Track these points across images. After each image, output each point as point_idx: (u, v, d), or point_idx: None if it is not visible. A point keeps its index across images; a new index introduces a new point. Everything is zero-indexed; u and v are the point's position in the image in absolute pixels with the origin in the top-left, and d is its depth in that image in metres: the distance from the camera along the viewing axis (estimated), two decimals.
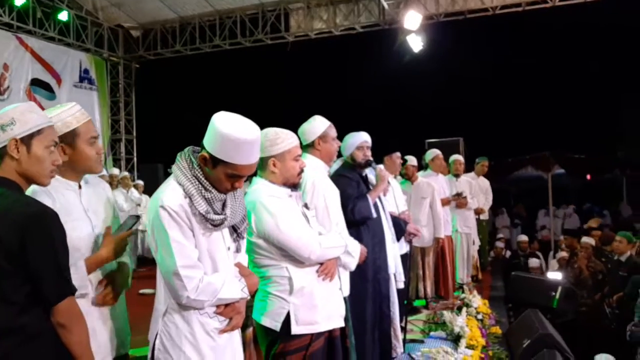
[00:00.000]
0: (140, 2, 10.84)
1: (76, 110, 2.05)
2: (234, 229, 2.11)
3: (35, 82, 10.08)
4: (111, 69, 12.20)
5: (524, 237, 10.00)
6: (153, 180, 11.38)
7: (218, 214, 1.98)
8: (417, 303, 5.82)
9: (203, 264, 1.98)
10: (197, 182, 1.95)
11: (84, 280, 1.94)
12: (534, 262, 8.75)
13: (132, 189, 9.58)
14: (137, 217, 2.13)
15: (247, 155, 1.95)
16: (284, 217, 2.41)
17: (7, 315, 1.62)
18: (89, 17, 11.10)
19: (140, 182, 10.29)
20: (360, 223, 3.46)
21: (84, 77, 11.21)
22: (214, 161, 1.93)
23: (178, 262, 1.90)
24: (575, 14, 10.12)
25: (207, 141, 1.95)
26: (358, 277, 3.12)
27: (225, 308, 2.03)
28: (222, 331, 2.03)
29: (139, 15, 11.52)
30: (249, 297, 2.10)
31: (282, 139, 2.52)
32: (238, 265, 2.12)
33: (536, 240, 11.89)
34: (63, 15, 10.27)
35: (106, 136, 11.90)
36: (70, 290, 1.71)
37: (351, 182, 3.56)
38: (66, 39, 10.62)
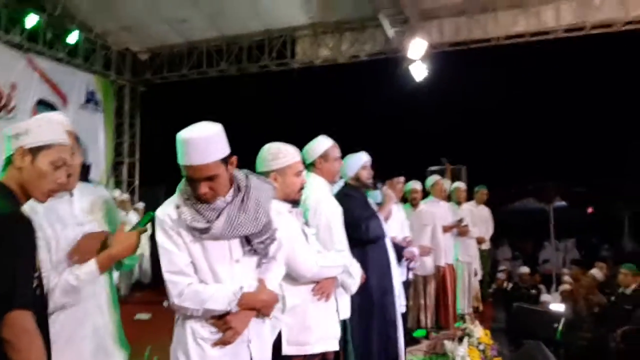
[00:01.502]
0: (148, 26, 11.00)
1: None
2: (247, 241, 2.06)
3: (42, 102, 10.14)
4: (117, 91, 12.31)
5: (525, 269, 9.94)
6: (154, 202, 11.35)
7: (209, 222, 1.98)
8: (417, 333, 5.72)
9: (202, 274, 1.99)
10: (185, 193, 2.04)
11: (95, 277, 2.00)
12: (545, 296, 8.53)
13: (131, 212, 9.53)
14: (152, 216, 2.12)
15: (188, 156, 1.94)
16: (282, 232, 2.35)
17: None
18: (98, 40, 11.26)
19: (140, 206, 10.27)
20: (372, 242, 3.44)
21: (90, 98, 11.29)
22: (181, 169, 2.01)
23: (164, 267, 1.99)
24: (579, 45, 10.24)
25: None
26: (365, 300, 3.09)
27: (216, 320, 2.01)
28: (214, 343, 2.00)
29: (147, 40, 11.69)
30: (234, 311, 2.02)
31: (284, 153, 2.53)
32: (259, 280, 2.10)
33: (537, 273, 11.77)
34: (73, 37, 10.42)
35: (109, 158, 11.93)
36: (20, 303, 1.54)
37: (360, 202, 3.56)
38: (75, 61, 10.75)
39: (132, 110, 12.69)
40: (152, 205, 9.52)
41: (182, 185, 2.07)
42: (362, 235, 3.29)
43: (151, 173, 12.80)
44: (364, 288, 2.97)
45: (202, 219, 1.97)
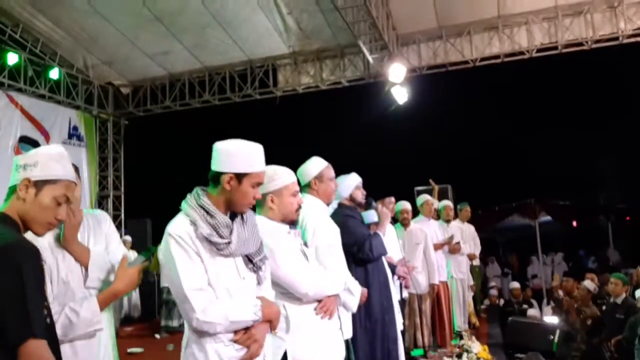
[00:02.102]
0: (130, 59, 11.06)
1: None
2: (249, 260, 2.10)
3: (24, 139, 10.07)
4: (100, 125, 12.27)
5: (516, 285, 9.98)
6: (141, 236, 11.25)
7: (223, 237, 2.01)
8: (415, 353, 5.71)
9: (217, 291, 1.98)
10: (201, 210, 2.04)
11: (96, 316, 1.94)
12: (532, 311, 8.63)
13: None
14: (153, 251, 2.14)
15: (263, 162, 2.15)
16: (281, 253, 2.42)
17: None
18: (80, 75, 11.27)
19: (128, 238, 10.14)
20: (375, 260, 3.45)
21: (72, 133, 11.24)
22: (239, 177, 2.06)
23: (184, 284, 1.94)
24: (553, 65, 10.58)
25: (224, 165, 2.08)
26: (366, 318, 3.10)
27: (242, 335, 2.00)
28: None
29: (129, 73, 11.73)
30: (260, 319, 2.05)
31: (279, 175, 2.56)
32: (261, 298, 2.10)
33: (528, 288, 11.85)
34: (54, 73, 10.42)
35: (94, 192, 11.81)
36: (32, 332, 1.52)
37: (359, 222, 3.60)
38: (56, 97, 10.73)
39: (115, 143, 12.64)
40: (139, 237, 9.43)
41: (198, 200, 2.07)
42: (367, 254, 3.33)
43: (136, 205, 12.70)
44: (366, 306, 2.98)
45: (217, 234, 2.01)
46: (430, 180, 7.87)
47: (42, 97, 10.41)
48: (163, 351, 7.04)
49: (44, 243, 2.00)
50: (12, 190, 1.74)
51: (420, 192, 8.40)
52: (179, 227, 2.02)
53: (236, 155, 2.11)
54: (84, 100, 11.52)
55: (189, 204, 2.08)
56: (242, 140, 2.18)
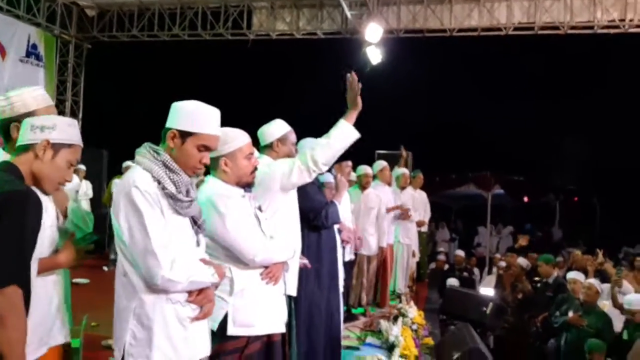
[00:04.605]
0: None
1: (38, 94, 2.05)
2: (194, 222, 2.11)
3: None
4: (61, 47, 11.69)
5: (460, 252, 10.32)
6: (96, 166, 10.99)
7: (185, 197, 2.02)
8: (356, 311, 5.93)
9: (177, 248, 2.00)
10: (164, 167, 2.01)
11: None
12: (451, 280, 8.56)
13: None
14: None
15: (215, 126, 2.08)
16: (232, 217, 2.39)
17: None
18: None
19: (82, 167, 9.87)
20: (328, 228, 3.51)
21: (31, 52, 10.68)
22: (183, 136, 2.03)
23: (153, 240, 1.91)
24: (525, 43, 10.65)
25: (172, 121, 2.06)
26: (315, 285, 3.17)
27: (197, 295, 2.04)
28: (194, 319, 2.03)
29: None
30: (217, 283, 2.12)
31: (232, 137, 2.51)
32: (202, 260, 2.12)
33: (474, 256, 12.34)
34: None
35: None
36: (18, 279, 1.61)
37: (316, 188, 3.60)
38: (15, 11, 10.10)
39: (76, 67, 12.11)
40: (94, 167, 9.15)
41: (159, 155, 2.02)
42: (322, 222, 3.36)
43: (93, 135, 12.31)
44: (316, 270, 3.04)
45: (179, 193, 2.00)
46: (402, 148, 7.85)
47: None
48: (109, 284, 7.02)
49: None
50: (25, 147, 1.82)
51: (381, 156, 8.49)
52: (144, 181, 1.96)
53: (185, 112, 2.05)
54: (46, 18, 10.90)
55: (148, 158, 2.02)
56: (201, 102, 2.11)
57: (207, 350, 2.15)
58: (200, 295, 2.04)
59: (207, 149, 2.07)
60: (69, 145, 1.88)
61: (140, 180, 1.96)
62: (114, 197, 2.02)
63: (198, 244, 2.14)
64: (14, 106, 2.00)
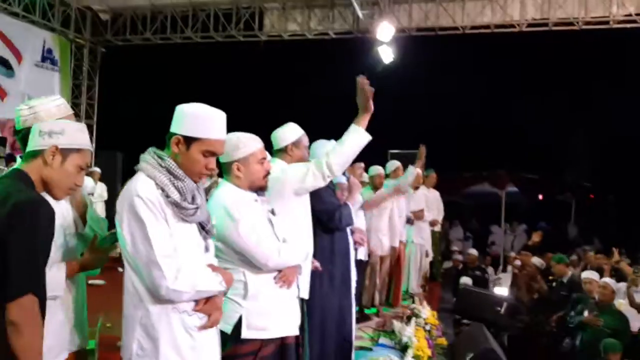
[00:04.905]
0: None
1: (61, 103, 2.09)
2: (202, 227, 2.08)
3: None
4: (76, 51, 11.84)
5: (473, 251, 10.25)
6: (111, 169, 11.13)
7: (190, 204, 1.99)
8: (369, 311, 5.92)
9: (180, 258, 1.95)
10: (168, 173, 1.97)
11: (60, 283, 1.95)
12: (464, 279, 8.50)
13: (86, 177, 9.28)
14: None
15: (220, 130, 2.03)
16: (245, 223, 2.39)
17: None
18: None
19: (97, 170, 9.99)
20: (341, 230, 3.52)
21: (46, 57, 10.83)
22: (188, 141, 1.98)
23: (157, 251, 1.87)
24: (541, 40, 10.54)
25: (176, 126, 2.00)
26: (328, 287, 3.17)
27: (204, 304, 2.00)
28: (202, 327, 2.00)
29: None
30: (226, 290, 2.09)
31: (244, 142, 2.50)
32: (210, 266, 2.09)
33: (488, 255, 12.25)
34: None
35: None
36: (33, 287, 1.61)
37: (330, 191, 3.60)
38: (31, 16, 10.25)
39: (90, 71, 12.26)
40: (109, 170, 9.27)
41: (164, 161, 1.98)
42: (336, 224, 3.37)
43: (108, 137, 12.47)
44: (329, 271, 3.04)
45: (187, 201, 1.97)
46: (421, 147, 7.65)
47: (15, 15, 9.93)
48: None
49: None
50: (33, 153, 1.81)
51: (394, 156, 8.45)
52: (148, 191, 1.91)
53: (189, 117, 1.99)
54: (60, 23, 11.04)
55: (151, 164, 1.98)
56: (205, 105, 2.05)
57: (217, 358, 2.12)
58: (207, 304, 2.00)
59: (213, 154, 2.02)
60: (78, 150, 1.85)
61: (142, 188, 1.91)
62: (117, 206, 1.97)
63: (207, 249, 2.10)
64: (38, 115, 2.01)
